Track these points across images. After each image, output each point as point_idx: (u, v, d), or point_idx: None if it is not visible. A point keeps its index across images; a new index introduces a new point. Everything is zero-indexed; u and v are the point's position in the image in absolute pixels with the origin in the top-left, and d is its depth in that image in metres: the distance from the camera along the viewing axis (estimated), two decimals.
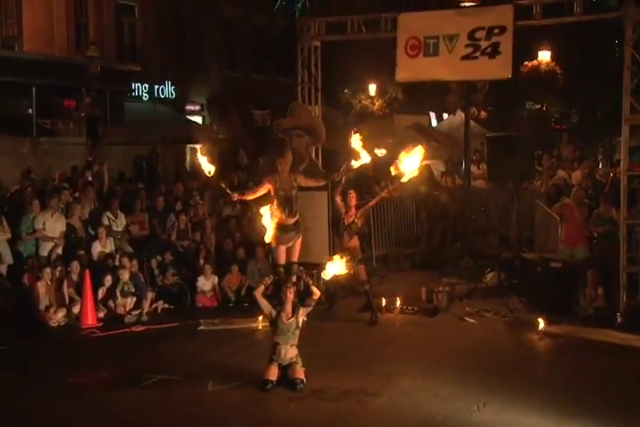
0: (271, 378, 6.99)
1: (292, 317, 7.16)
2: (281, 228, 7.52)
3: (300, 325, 7.21)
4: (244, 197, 7.69)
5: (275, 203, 7.63)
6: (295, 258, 7.65)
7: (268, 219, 7.49)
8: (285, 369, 7.10)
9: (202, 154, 7.27)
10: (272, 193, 7.60)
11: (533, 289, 10.10)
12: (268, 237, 7.51)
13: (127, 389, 7.04)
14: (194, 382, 7.18)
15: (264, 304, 7.32)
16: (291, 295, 7.20)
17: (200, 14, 23.01)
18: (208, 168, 7.23)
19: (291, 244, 7.60)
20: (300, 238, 7.65)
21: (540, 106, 21.32)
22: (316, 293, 7.30)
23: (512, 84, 18.20)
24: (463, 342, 8.68)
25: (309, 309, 7.29)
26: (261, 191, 7.72)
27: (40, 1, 18.61)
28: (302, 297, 7.43)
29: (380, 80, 20.57)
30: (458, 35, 10.13)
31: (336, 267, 7.07)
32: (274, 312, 7.22)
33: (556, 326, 8.94)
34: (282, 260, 7.64)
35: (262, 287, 7.40)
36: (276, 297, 7.39)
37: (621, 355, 8.17)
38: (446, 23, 10.25)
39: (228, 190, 7.53)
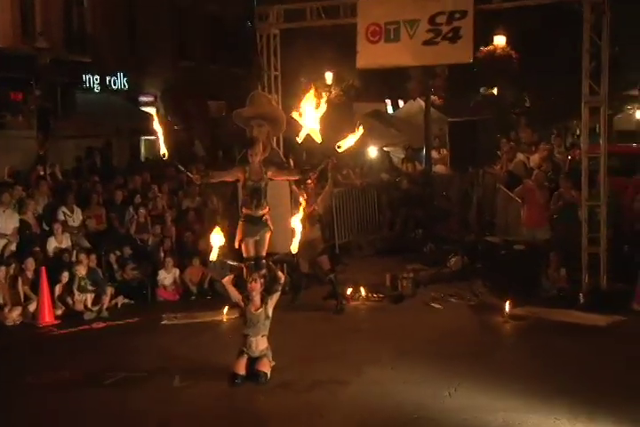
0: (240, 372, 6.86)
1: (260, 307, 7.02)
2: (249, 220, 7.28)
3: (270, 315, 7.05)
4: (207, 180, 7.36)
5: (242, 194, 7.40)
6: (264, 252, 7.37)
7: (217, 241, 7.04)
8: (253, 362, 6.97)
9: (157, 129, 6.70)
10: (240, 183, 7.35)
11: (497, 272, 10.13)
12: (213, 256, 7.19)
13: (89, 388, 6.82)
14: (159, 378, 7.01)
15: (233, 293, 7.17)
16: (257, 286, 7.05)
17: (153, 3, 22.49)
18: (163, 150, 6.79)
19: (258, 237, 7.33)
20: (269, 232, 7.35)
21: (493, 91, 21.44)
22: (281, 277, 7.20)
23: (468, 70, 18.28)
24: (430, 327, 8.65)
25: (277, 295, 7.16)
26: (227, 177, 7.47)
27: None
28: (268, 286, 7.25)
29: (336, 68, 20.42)
30: (419, 20, 10.03)
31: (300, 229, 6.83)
32: (242, 303, 7.06)
33: (521, 309, 8.97)
34: (250, 253, 7.34)
35: (231, 276, 7.26)
36: (243, 289, 7.20)
37: (585, 334, 8.22)
38: (407, 8, 10.13)
39: (188, 173, 7.17)
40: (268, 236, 7.37)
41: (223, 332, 8.63)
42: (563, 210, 10.38)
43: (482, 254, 10.95)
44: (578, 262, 9.40)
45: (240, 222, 7.38)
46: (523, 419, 5.83)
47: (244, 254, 7.36)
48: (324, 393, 6.59)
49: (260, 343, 7.00)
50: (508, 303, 8.78)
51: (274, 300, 7.12)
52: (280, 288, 7.22)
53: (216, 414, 6.28)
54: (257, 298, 7.04)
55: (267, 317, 7.05)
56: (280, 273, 7.28)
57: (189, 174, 7.17)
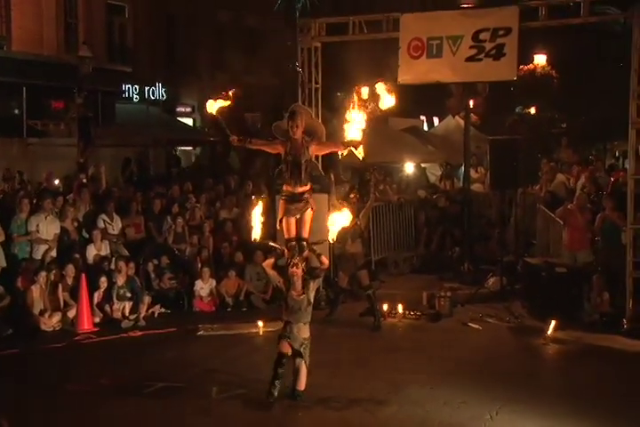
0: (285, 351, 6.69)
1: (302, 293, 6.79)
2: (289, 198, 6.93)
3: (312, 300, 6.83)
4: (244, 144, 6.96)
5: (283, 169, 7.02)
6: (305, 233, 6.95)
7: (258, 217, 6.99)
8: (293, 362, 6.75)
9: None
10: (282, 157, 7.00)
11: (537, 294, 9.97)
12: (255, 235, 7.00)
13: (129, 396, 6.81)
14: (197, 389, 6.98)
15: (274, 276, 6.97)
16: (299, 271, 6.79)
17: (191, 15, 22.79)
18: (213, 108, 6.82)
19: (299, 215, 6.94)
20: (311, 211, 6.95)
21: (530, 110, 21.27)
22: (325, 262, 6.92)
23: (506, 88, 18.13)
24: (469, 348, 8.53)
25: (320, 281, 7.06)
26: (267, 147, 7.11)
27: (29, 0, 18.30)
28: (310, 271, 7.02)
29: (371, 82, 20.41)
30: (462, 36, 10.02)
31: (340, 219, 6.75)
32: (283, 287, 6.85)
33: (562, 332, 8.79)
34: (290, 233, 6.98)
35: (272, 260, 7.09)
36: (283, 274, 6.96)
37: (629, 361, 8.06)
38: (450, 24, 10.13)
39: (227, 131, 6.91)
40: (309, 215, 6.97)
41: (259, 345, 8.58)
42: (606, 232, 10.20)
43: (521, 275, 10.80)
44: (621, 287, 9.21)
45: (280, 200, 7.06)
46: None
47: (285, 235, 7.02)
48: (361, 412, 6.49)
49: (302, 331, 6.76)
50: (552, 326, 8.61)
51: (316, 285, 6.92)
52: (322, 274, 7.05)
53: None
54: (298, 283, 6.79)
55: (309, 303, 6.80)
56: (324, 257, 6.93)
57: (228, 132, 6.90)
